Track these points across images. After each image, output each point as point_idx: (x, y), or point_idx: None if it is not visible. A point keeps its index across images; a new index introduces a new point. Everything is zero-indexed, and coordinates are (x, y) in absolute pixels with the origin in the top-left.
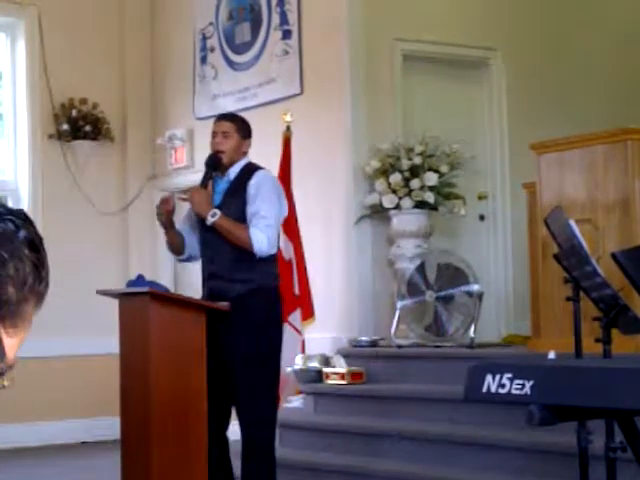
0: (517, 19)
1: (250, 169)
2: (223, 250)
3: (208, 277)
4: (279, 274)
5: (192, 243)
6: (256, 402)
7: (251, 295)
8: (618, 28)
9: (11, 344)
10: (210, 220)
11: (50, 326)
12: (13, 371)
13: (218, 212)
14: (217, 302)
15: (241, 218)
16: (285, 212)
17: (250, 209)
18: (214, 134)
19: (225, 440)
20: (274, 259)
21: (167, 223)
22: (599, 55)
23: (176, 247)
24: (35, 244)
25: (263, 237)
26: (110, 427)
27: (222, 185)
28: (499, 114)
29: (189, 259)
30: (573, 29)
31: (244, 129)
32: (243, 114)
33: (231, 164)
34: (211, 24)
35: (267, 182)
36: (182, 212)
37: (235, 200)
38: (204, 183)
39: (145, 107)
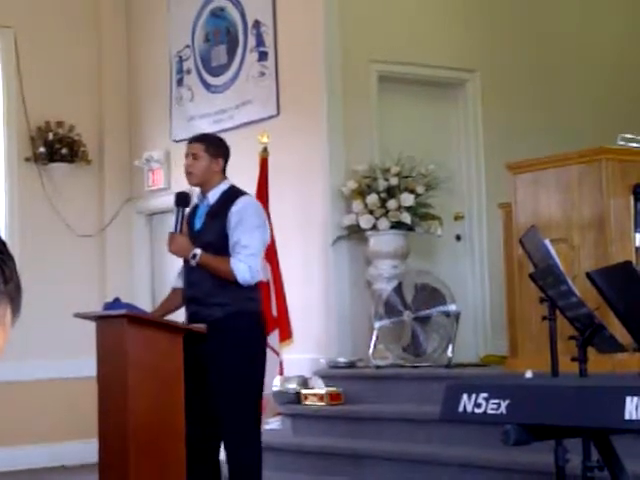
0: (492, 40)
1: (232, 194)
2: (202, 276)
3: (188, 302)
4: (260, 298)
5: None
6: (240, 423)
7: (230, 319)
8: (597, 49)
9: None
10: (193, 262)
11: (28, 349)
12: None
13: (198, 252)
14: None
15: (221, 242)
16: (268, 239)
17: (232, 239)
18: (186, 157)
19: (217, 466)
20: (254, 284)
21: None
22: (577, 76)
23: None
24: None
25: (245, 267)
26: (91, 450)
27: (202, 209)
28: (475, 134)
29: None
30: (552, 50)
31: (214, 148)
32: (220, 135)
33: (207, 186)
34: (187, 46)
35: (249, 209)
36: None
37: (215, 224)
38: (177, 227)
39: (122, 129)
